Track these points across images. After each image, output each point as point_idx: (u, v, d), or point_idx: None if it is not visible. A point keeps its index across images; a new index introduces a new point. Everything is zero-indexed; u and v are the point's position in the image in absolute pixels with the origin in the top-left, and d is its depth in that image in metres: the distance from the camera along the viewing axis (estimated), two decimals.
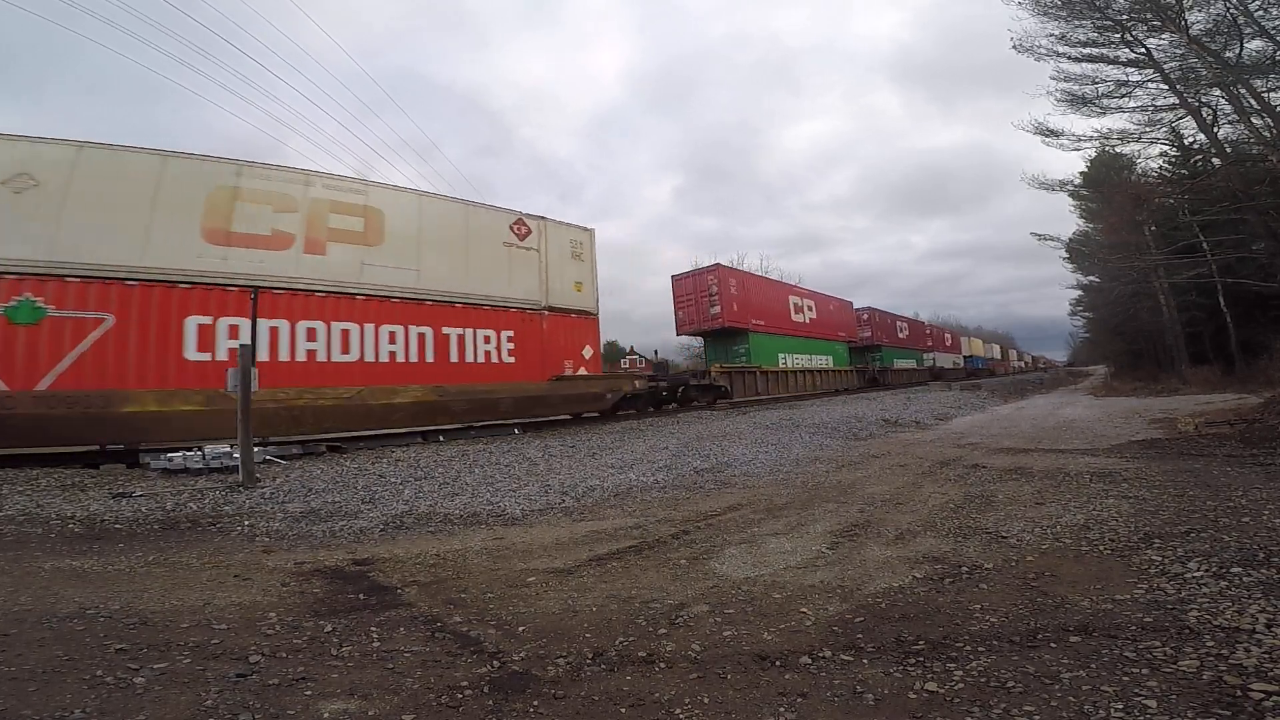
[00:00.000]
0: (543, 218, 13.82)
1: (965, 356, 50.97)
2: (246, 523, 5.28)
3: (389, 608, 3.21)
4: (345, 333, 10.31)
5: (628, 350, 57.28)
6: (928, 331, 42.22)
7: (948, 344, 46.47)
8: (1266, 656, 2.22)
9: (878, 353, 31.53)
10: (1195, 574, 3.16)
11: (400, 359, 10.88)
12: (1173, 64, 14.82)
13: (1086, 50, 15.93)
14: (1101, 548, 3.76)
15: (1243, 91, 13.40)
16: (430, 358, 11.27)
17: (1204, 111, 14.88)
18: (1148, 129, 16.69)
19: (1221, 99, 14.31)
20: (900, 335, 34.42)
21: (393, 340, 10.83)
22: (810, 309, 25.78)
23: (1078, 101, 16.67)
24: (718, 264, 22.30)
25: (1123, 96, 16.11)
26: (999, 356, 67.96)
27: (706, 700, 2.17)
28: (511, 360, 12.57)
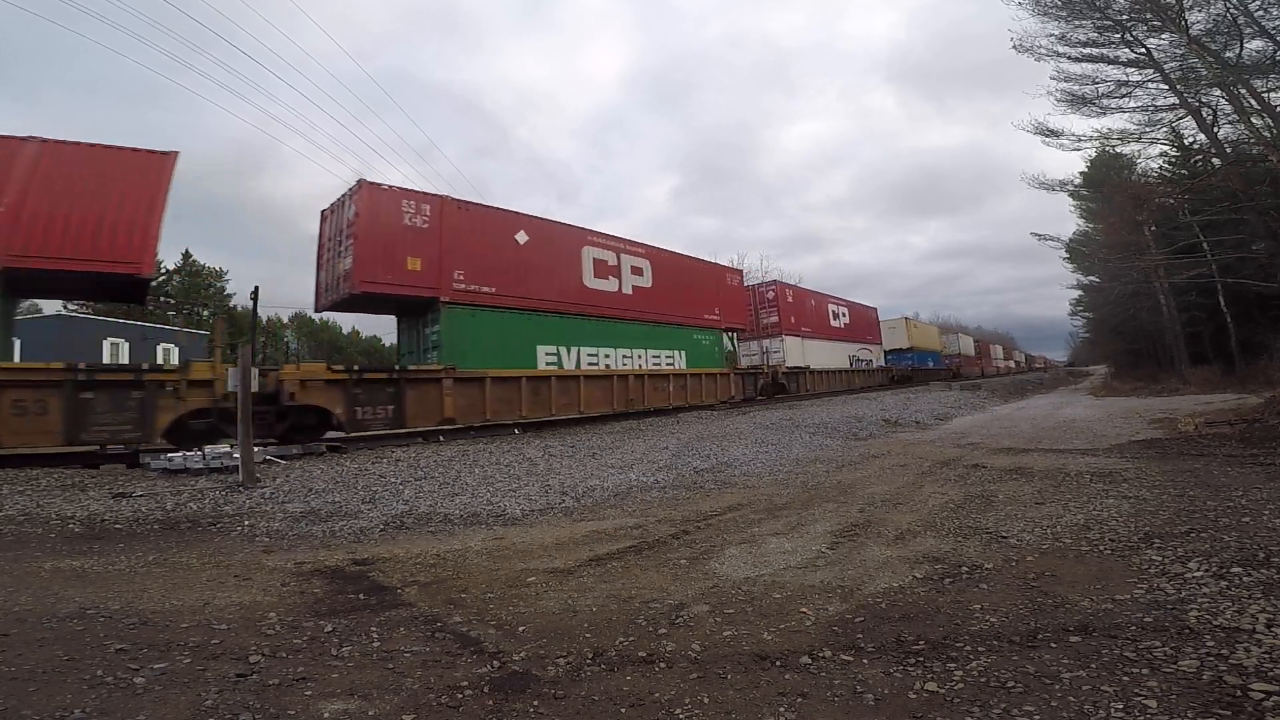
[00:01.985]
0: None
1: (893, 351, 33.53)
2: (246, 523, 5.28)
3: (389, 608, 3.21)
4: None
5: None
6: (769, 295, 22.57)
7: (839, 326, 27.03)
8: (1266, 656, 2.22)
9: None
10: (1195, 574, 3.16)
11: None
12: (1173, 64, 14.83)
13: (1086, 50, 15.93)
14: (1102, 548, 3.76)
15: (1243, 91, 13.39)
16: None
17: (1204, 111, 14.87)
18: (1148, 129, 16.66)
19: (1221, 99, 14.30)
20: (627, 293, 15.13)
21: None
22: None
23: (1078, 101, 16.67)
24: None
25: (1123, 96, 16.12)
26: (972, 353, 50.11)
27: (706, 700, 2.17)
28: None
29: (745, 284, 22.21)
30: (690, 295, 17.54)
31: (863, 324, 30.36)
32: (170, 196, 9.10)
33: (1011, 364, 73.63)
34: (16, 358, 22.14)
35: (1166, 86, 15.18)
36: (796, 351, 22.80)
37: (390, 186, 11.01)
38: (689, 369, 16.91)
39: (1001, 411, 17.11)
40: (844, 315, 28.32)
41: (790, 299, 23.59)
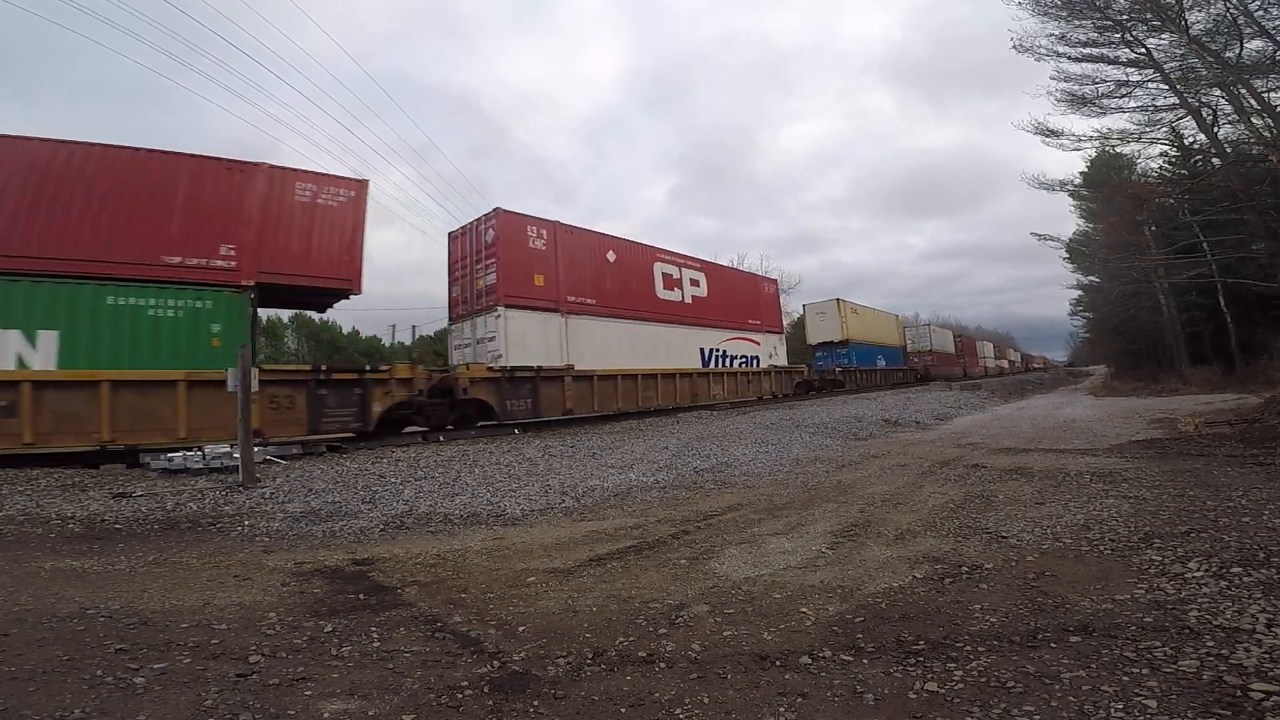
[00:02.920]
0: None
1: (823, 345, 26.95)
2: (246, 523, 5.28)
3: (389, 608, 3.21)
4: None
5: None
6: (486, 236, 12.69)
7: (680, 300, 17.25)
8: (1266, 656, 2.22)
9: None
10: (1195, 574, 3.16)
11: None
12: (1173, 64, 14.82)
13: (1086, 50, 15.92)
14: (1102, 548, 3.76)
15: (1243, 91, 13.38)
16: None
17: (1204, 111, 14.86)
18: (1148, 129, 16.65)
19: (1221, 99, 14.30)
20: None
21: None
22: None
23: (1078, 101, 16.66)
24: None
25: (1123, 96, 16.10)
26: (950, 350, 41.79)
27: (706, 700, 2.17)
28: None
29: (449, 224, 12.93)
30: (94, 217, 8.88)
31: (741, 301, 19.72)
32: None
33: (1005, 364, 64.10)
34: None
35: (1166, 86, 15.17)
36: (539, 339, 12.74)
37: None
38: (59, 372, 8.08)
39: (1002, 411, 17.12)
40: (695, 285, 17.62)
41: (536, 244, 12.95)
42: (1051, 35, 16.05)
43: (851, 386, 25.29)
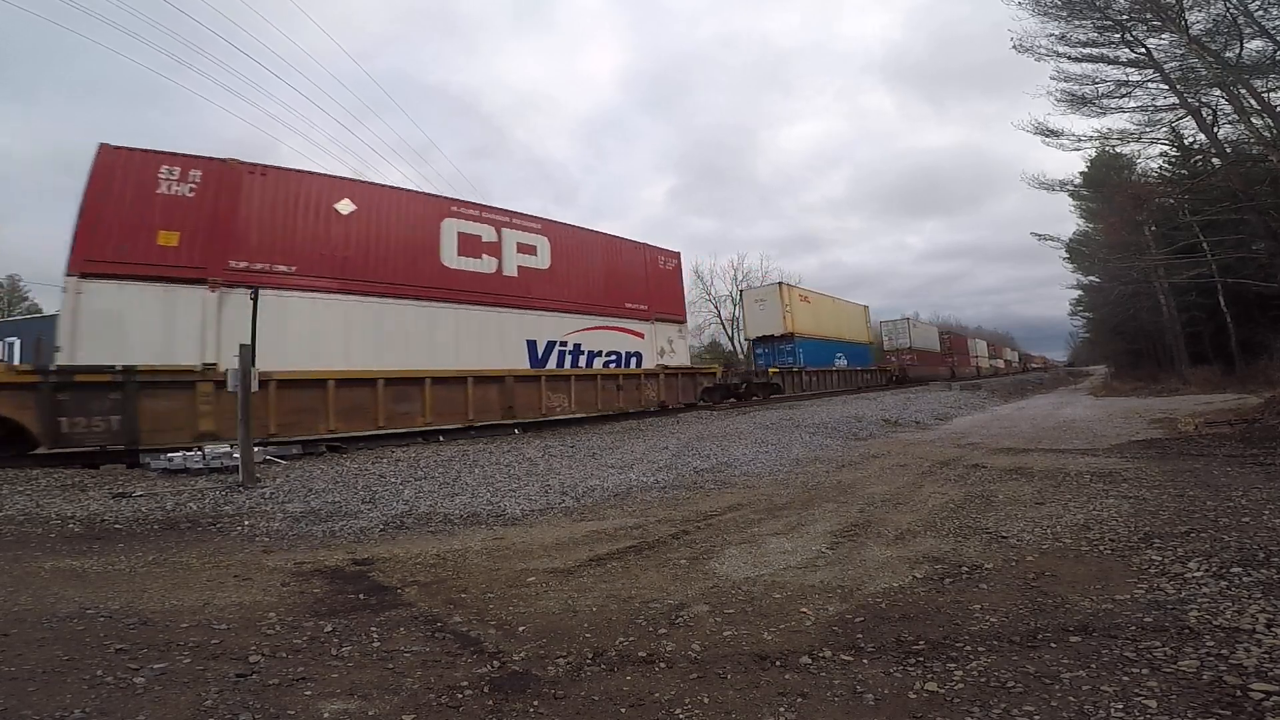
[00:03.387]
0: None
1: (764, 339, 22.82)
2: (246, 523, 5.28)
3: (389, 608, 3.21)
4: None
5: None
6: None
7: (497, 272, 12.49)
8: (1266, 656, 2.22)
9: None
10: (1195, 574, 3.16)
11: None
12: (1173, 64, 14.86)
13: (1086, 50, 15.97)
14: (1102, 548, 3.76)
15: (1243, 91, 13.41)
16: None
17: (1204, 111, 14.89)
18: (1148, 129, 16.70)
19: (1221, 99, 14.33)
20: None
21: None
22: None
23: (1078, 101, 16.70)
24: None
25: (1123, 96, 16.14)
26: (935, 348, 37.35)
27: (706, 700, 2.17)
28: None
29: None
30: None
31: (613, 278, 15.14)
32: None
33: (1000, 363, 58.91)
34: (16, 357, 21.27)
35: (1166, 86, 15.20)
36: (154, 324, 8.63)
37: None
38: None
39: (1002, 411, 17.12)
40: (527, 252, 13.29)
41: (175, 189, 8.97)
42: (1051, 35, 16.10)
43: (793, 392, 19.69)
